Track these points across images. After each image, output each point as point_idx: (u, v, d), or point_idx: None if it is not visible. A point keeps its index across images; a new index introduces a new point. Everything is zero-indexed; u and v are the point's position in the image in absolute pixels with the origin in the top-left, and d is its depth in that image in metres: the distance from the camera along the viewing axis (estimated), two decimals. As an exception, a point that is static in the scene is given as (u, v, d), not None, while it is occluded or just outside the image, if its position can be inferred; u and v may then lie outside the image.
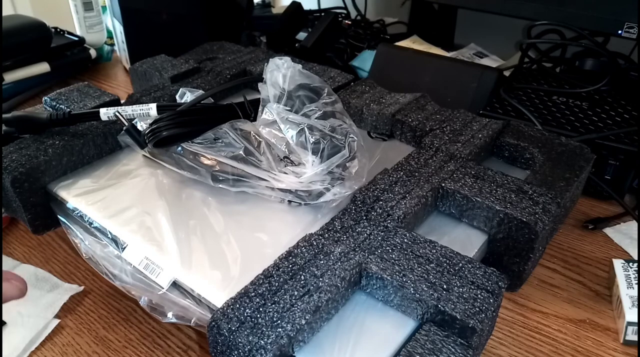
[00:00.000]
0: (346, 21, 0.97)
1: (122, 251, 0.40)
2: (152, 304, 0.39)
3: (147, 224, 0.41)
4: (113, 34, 0.94)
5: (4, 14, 0.80)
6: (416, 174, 0.43)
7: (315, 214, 0.42)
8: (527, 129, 0.50)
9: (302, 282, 0.33)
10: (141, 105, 0.46)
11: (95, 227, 0.43)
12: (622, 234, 0.54)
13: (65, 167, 0.47)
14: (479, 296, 0.32)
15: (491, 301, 0.32)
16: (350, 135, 0.42)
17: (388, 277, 0.33)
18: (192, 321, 0.37)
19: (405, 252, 0.35)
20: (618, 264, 0.47)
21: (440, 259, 0.35)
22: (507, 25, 0.84)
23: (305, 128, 0.40)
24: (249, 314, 0.31)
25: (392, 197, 0.40)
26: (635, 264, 0.46)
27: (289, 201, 0.43)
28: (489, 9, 0.75)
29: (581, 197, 0.58)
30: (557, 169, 0.45)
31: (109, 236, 0.42)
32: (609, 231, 0.54)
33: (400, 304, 0.34)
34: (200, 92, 0.50)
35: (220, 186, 0.43)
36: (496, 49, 0.92)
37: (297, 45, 0.87)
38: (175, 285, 0.38)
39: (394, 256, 0.35)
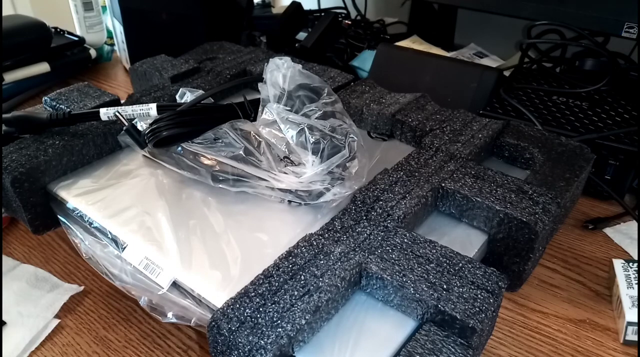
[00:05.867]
0: (346, 21, 0.97)
1: (122, 251, 0.40)
2: (152, 304, 0.39)
3: (147, 224, 0.41)
4: (113, 34, 0.94)
5: (4, 14, 0.80)
6: (416, 174, 0.43)
7: (315, 214, 0.42)
8: (527, 129, 0.50)
9: (302, 282, 0.33)
10: (141, 105, 0.46)
11: (95, 227, 0.43)
12: (622, 234, 0.54)
13: (65, 167, 0.47)
14: (479, 296, 0.32)
15: (491, 301, 0.32)
16: (350, 135, 0.42)
17: (388, 277, 0.33)
18: (192, 321, 0.37)
19: (405, 252, 0.35)
20: (618, 264, 0.47)
21: (440, 259, 0.35)
22: (507, 25, 0.84)
23: (305, 128, 0.40)
24: (249, 314, 0.31)
25: (392, 197, 0.40)
26: (635, 264, 0.46)
27: (289, 201, 0.43)
28: (489, 9, 0.75)
29: (581, 197, 0.58)
30: (557, 169, 0.45)
31: (109, 236, 0.42)
32: (609, 231, 0.54)
33: (400, 304, 0.34)
34: (200, 92, 0.50)
35: (220, 186, 0.43)
36: (496, 49, 0.92)
37: (297, 45, 0.87)
38: (175, 285, 0.38)
39: (394, 256, 0.35)
